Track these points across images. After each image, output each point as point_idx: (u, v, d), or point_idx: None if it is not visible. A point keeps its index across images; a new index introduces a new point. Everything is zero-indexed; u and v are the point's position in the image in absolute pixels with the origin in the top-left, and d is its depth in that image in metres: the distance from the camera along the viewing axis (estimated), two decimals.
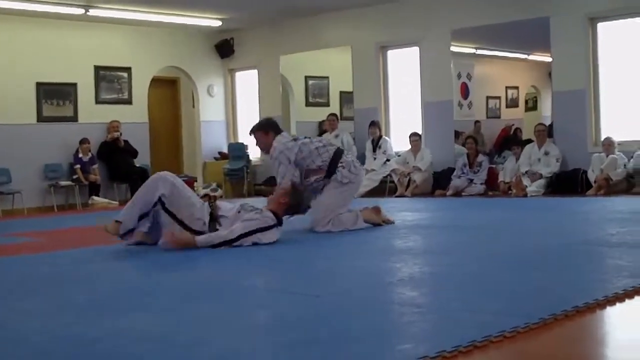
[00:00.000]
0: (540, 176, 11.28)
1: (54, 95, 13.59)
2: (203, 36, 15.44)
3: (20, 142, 13.01)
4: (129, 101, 14.51)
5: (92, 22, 13.67)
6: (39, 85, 13.38)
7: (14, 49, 13.04)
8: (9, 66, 12.92)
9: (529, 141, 11.98)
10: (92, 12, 12.90)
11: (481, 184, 12.01)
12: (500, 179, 11.82)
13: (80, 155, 13.47)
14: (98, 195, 13.43)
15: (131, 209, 6.34)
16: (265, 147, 7.42)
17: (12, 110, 12.94)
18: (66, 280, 5.11)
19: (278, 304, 4.02)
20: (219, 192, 14.82)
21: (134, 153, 14.02)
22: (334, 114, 14.08)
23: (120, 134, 13.84)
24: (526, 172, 11.36)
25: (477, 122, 13.44)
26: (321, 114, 14.71)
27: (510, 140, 12.86)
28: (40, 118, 13.41)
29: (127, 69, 14.47)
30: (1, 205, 12.73)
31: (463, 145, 12.60)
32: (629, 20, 11.24)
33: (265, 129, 7.42)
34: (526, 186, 11.16)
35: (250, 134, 7.56)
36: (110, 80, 14.30)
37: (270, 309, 3.91)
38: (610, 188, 10.67)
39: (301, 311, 3.77)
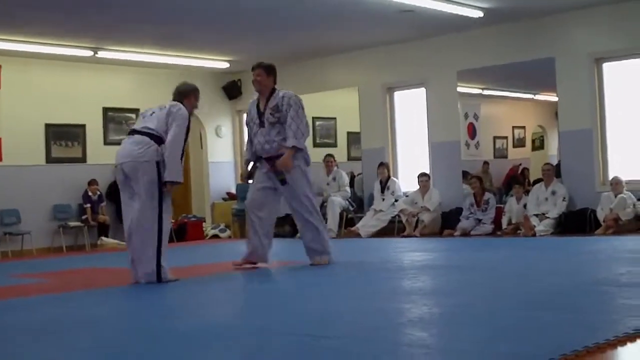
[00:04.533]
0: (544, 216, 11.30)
1: (63, 137, 13.69)
2: (211, 77, 15.52)
3: (29, 183, 13.09)
4: None
5: (100, 64, 13.79)
6: (48, 126, 13.49)
7: (23, 90, 13.15)
8: (18, 108, 13.01)
9: (538, 181, 11.98)
10: (101, 54, 13.01)
11: (490, 223, 11.99)
12: (504, 219, 11.80)
13: (90, 194, 13.53)
14: (107, 236, 13.46)
15: None
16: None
17: (22, 151, 13.03)
18: (72, 324, 5.05)
19: (285, 347, 3.97)
20: (227, 232, 14.87)
21: None
22: (330, 155, 14.09)
23: None
24: (536, 215, 11.33)
25: (485, 162, 13.46)
26: None
27: (514, 180, 12.86)
28: (49, 159, 13.50)
29: (136, 110, 14.53)
30: (10, 246, 12.76)
31: (469, 186, 12.55)
32: (634, 60, 11.30)
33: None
34: (534, 226, 11.14)
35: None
36: (119, 122, 14.37)
37: (278, 353, 3.86)
38: (619, 227, 10.65)
39: (309, 354, 3.75)
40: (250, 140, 8.06)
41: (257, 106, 7.90)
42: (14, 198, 12.87)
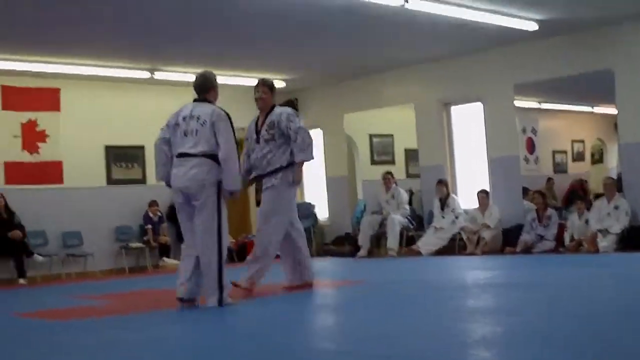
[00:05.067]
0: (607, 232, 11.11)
1: (123, 158, 13.87)
2: None
3: (90, 204, 13.27)
4: None
5: (157, 84, 13.94)
6: (108, 148, 13.67)
7: (83, 113, 13.34)
8: (78, 130, 13.21)
9: (599, 195, 11.79)
10: (158, 75, 13.15)
11: (552, 239, 11.80)
12: (566, 235, 11.62)
13: (151, 215, 13.67)
14: (168, 257, 13.57)
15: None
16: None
17: (83, 174, 13.24)
18: (131, 345, 5.08)
19: None
20: None
21: None
22: (389, 173, 14.00)
23: None
24: (599, 230, 11.13)
25: (549, 179, 13.34)
26: None
27: (575, 195, 12.69)
28: (110, 181, 13.69)
29: None
30: (73, 268, 12.95)
31: (532, 201, 12.38)
32: None
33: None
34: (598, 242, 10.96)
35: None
36: None
37: None
38: None
39: None
40: (247, 155, 8.21)
41: (256, 123, 8.05)
42: (76, 220, 13.06)
